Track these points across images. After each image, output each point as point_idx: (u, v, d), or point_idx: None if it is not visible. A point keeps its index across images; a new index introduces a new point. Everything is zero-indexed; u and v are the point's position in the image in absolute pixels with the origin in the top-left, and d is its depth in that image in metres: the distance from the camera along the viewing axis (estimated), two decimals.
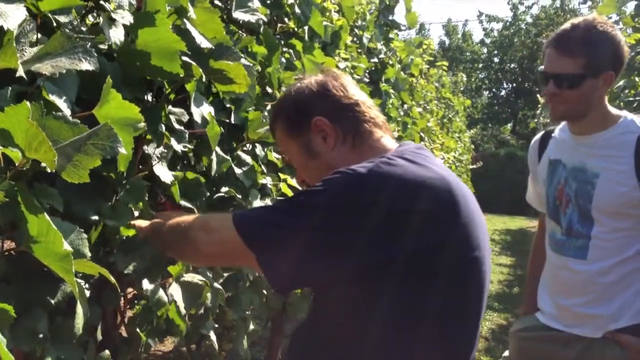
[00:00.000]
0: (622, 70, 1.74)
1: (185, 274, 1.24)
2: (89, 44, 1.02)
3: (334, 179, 1.03)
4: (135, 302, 1.27)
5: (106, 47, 1.05)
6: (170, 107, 1.38)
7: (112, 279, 0.89)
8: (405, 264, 0.99)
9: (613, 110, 1.75)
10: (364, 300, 1.02)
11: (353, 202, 1.00)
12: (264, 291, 1.89)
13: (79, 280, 1.08)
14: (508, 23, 21.16)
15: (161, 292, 1.18)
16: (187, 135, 1.38)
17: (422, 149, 1.15)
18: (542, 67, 1.75)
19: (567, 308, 1.79)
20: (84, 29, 1.02)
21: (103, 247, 1.19)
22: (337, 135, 1.15)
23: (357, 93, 1.20)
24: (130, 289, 1.27)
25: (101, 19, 0.94)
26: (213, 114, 1.42)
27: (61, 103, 0.88)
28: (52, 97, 0.86)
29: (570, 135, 1.80)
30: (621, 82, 3.74)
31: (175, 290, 1.22)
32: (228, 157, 1.42)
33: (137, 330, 1.19)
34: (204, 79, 1.23)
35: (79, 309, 0.74)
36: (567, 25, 1.73)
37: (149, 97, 1.36)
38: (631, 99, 3.46)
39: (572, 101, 1.68)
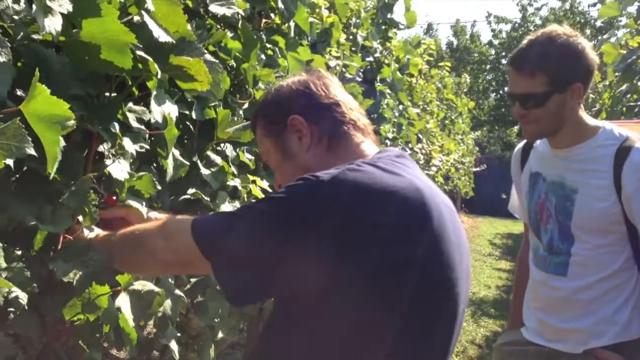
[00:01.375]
0: (592, 81, 1.66)
1: (135, 282, 1.16)
2: (23, 33, 0.95)
3: (295, 186, 0.95)
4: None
5: (41, 36, 0.96)
6: (130, 104, 1.30)
7: (22, 297, 0.81)
8: (365, 280, 0.91)
9: (590, 121, 1.67)
10: (322, 317, 0.95)
11: (312, 212, 0.92)
12: None
13: (15, 289, 1.01)
14: (517, 24, 21.00)
15: (109, 302, 1.11)
16: (146, 136, 1.30)
17: (402, 157, 1.07)
18: (507, 88, 1.68)
19: (548, 323, 1.73)
20: (22, 15, 0.94)
21: (47, 253, 1.11)
22: (312, 136, 1.08)
23: (340, 94, 1.13)
24: None
25: (34, 6, 0.86)
26: (175, 113, 1.34)
27: None
28: None
29: (549, 148, 1.72)
30: (624, 87, 3.64)
31: (124, 300, 1.14)
32: (187, 162, 1.33)
33: (80, 342, 1.11)
34: (159, 75, 1.15)
35: None
36: (524, 42, 1.65)
37: (107, 94, 1.28)
38: (632, 103, 3.36)
39: (541, 119, 1.61)
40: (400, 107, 4.10)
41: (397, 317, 0.93)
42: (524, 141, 1.91)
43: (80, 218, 1.09)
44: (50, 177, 0.86)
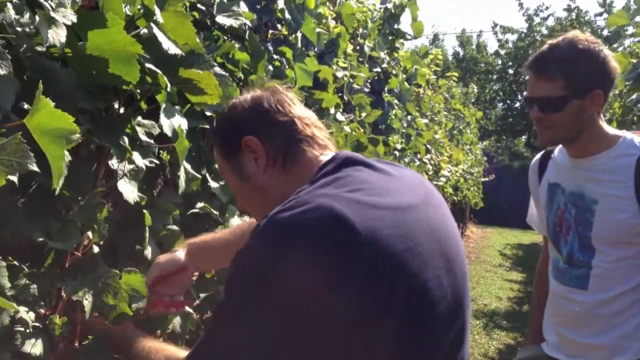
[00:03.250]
0: (614, 88, 1.62)
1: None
2: (25, 45, 0.93)
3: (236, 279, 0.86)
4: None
5: (45, 49, 0.95)
6: (139, 118, 1.28)
7: (26, 317, 0.79)
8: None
9: (611, 130, 1.63)
10: None
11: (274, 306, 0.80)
12: None
13: (23, 308, 0.99)
14: (523, 34, 20.93)
15: None
16: (155, 150, 1.28)
17: (357, 169, 0.96)
18: (526, 92, 1.64)
19: (569, 338, 1.68)
20: (25, 29, 0.92)
21: (55, 270, 1.09)
22: (267, 156, 1.01)
23: (298, 110, 1.05)
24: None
25: (37, 17, 0.84)
26: (185, 126, 1.32)
27: None
28: None
29: (568, 158, 1.68)
30: (634, 96, 3.60)
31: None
32: (198, 175, 1.31)
33: None
34: (168, 89, 1.13)
35: None
36: (545, 46, 1.62)
37: (116, 107, 1.27)
38: None
39: (558, 125, 1.58)
40: (409, 117, 4.08)
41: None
42: (542, 152, 1.87)
43: (90, 234, 1.07)
44: (57, 193, 0.84)
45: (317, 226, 0.80)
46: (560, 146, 1.76)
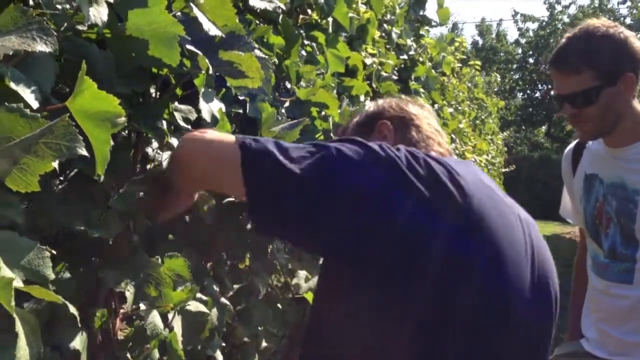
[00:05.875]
0: None
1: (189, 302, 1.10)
2: (66, 24, 0.89)
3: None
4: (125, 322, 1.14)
5: (87, 29, 0.90)
6: (176, 103, 1.24)
7: (72, 310, 0.75)
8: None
9: None
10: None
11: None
12: (279, 305, 1.74)
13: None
14: (544, 23, 20.53)
15: (156, 315, 1.04)
16: None
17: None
18: (554, 90, 1.58)
19: (611, 335, 1.61)
20: (67, 6, 0.88)
21: (90, 260, 1.05)
22: None
23: None
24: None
25: None
26: (224, 110, 1.28)
27: (28, 94, 0.73)
28: (16, 86, 0.72)
29: (604, 147, 1.61)
30: None
31: (176, 321, 1.08)
32: None
33: (128, 355, 1.05)
34: (210, 71, 1.08)
35: (21, 342, 0.60)
36: (563, 40, 1.55)
37: (152, 91, 1.23)
38: None
39: (595, 118, 1.51)
40: (435, 106, 4.00)
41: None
42: (575, 141, 1.80)
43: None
44: (101, 180, 0.80)
45: None
46: None
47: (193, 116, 1.24)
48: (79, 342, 1.00)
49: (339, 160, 0.84)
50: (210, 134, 0.99)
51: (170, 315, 1.08)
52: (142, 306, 1.08)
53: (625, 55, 1.49)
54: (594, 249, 1.66)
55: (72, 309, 0.76)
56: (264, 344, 1.67)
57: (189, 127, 1.23)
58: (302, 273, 1.76)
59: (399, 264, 0.80)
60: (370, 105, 1.19)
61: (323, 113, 1.77)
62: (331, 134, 1.74)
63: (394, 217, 0.80)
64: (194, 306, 1.12)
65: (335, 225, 0.82)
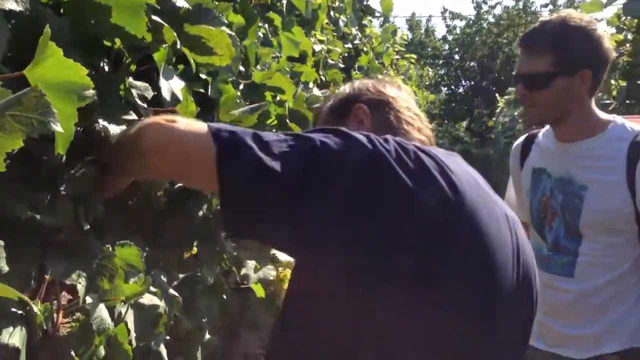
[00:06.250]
0: (606, 71, 1.60)
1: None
2: None
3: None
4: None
5: None
6: (131, 79, 1.13)
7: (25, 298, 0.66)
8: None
9: (601, 114, 1.60)
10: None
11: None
12: (224, 295, 1.67)
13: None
14: (471, 21, 21.21)
15: (103, 309, 0.95)
16: (150, 114, 1.14)
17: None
18: (514, 70, 1.62)
19: (550, 329, 1.65)
20: None
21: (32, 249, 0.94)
22: None
23: None
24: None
25: None
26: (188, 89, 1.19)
27: None
28: None
29: (555, 142, 1.65)
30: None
31: (128, 315, 1.00)
32: None
33: (72, 353, 0.95)
34: (177, 45, 0.99)
35: None
36: (538, 22, 1.59)
37: (105, 65, 1.12)
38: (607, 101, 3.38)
39: (544, 103, 1.54)
40: None
41: None
42: (524, 136, 1.83)
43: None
44: (63, 160, 0.71)
45: None
46: (544, 130, 1.72)
47: (150, 94, 1.14)
48: (18, 339, 0.90)
49: (324, 155, 0.79)
50: (179, 122, 0.87)
51: (123, 310, 1.00)
52: (89, 299, 0.99)
53: (591, 52, 1.52)
54: (538, 242, 1.70)
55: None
56: (207, 336, 1.60)
57: (145, 105, 1.13)
58: (251, 263, 1.70)
59: (386, 261, 0.77)
60: (345, 88, 1.12)
61: (278, 98, 1.71)
62: (286, 120, 1.68)
63: (381, 213, 0.77)
64: (147, 299, 1.04)
65: (320, 224, 0.77)
